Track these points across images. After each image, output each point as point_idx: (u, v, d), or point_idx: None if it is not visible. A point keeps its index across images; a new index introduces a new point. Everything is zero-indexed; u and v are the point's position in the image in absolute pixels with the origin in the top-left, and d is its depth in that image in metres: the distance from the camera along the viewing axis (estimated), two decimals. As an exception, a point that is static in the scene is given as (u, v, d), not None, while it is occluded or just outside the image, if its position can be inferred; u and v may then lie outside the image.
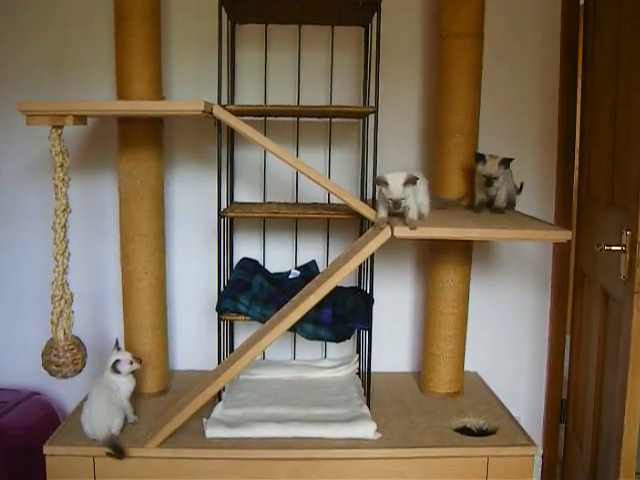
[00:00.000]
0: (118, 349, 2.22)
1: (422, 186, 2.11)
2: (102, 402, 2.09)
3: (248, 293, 2.30)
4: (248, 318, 2.26)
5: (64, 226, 2.06)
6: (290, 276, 2.57)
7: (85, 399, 2.17)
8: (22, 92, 2.57)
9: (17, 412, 2.51)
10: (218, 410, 2.27)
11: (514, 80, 2.65)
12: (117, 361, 2.17)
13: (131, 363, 2.19)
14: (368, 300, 2.30)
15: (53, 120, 1.99)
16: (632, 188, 2.01)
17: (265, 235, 2.68)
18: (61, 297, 2.07)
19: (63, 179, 2.04)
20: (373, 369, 2.34)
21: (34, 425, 2.49)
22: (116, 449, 2.00)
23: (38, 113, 1.98)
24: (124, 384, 2.18)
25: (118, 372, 2.17)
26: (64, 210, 2.05)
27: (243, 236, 2.68)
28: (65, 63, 2.58)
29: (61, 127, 2.02)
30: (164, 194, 2.47)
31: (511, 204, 2.40)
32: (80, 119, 2.06)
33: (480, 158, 2.26)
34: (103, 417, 2.06)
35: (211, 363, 2.36)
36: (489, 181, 2.26)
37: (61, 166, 2.03)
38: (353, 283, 2.64)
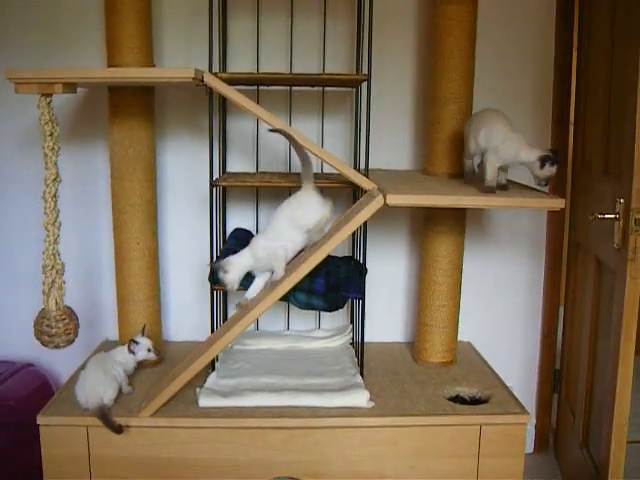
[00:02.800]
0: (142, 335, 2.25)
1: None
2: (98, 371, 2.10)
3: (241, 263, 2.29)
4: (241, 288, 2.25)
5: (54, 195, 2.04)
6: (283, 246, 2.55)
7: (82, 368, 2.17)
8: (11, 60, 2.53)
9: (11, 383, 2.52)
10: (211, 380, 2.27)
11: (509, 48, 2.62)
12: (135, 342, 2.21)
13: (149, 351, 2.23)
14: (361, 269, 2.29)
15: (42, 88, 1.96)
16: (626, 157, 2.01)
17: (258, 205, 2.66)
18: (52, 267, 2.06)
19: (53, 148, 2.02)
20: (367, 339, 2.34)
21: (28, 396, 2.49)
22: (106, 421, 2.01)
23: (27, 81, 1.96)
24: (129, 362, 2.22)
25: (132, 353, 2.21)
26: (54, 179, 2.03)
27: (236, 206, 2.67)
28: (54, 32, 2.55)
29: (50, 95, 1.99)
30: (156, 164, 2.45)
31: None
32: (69, 87, 2.03)
33: (550, 159, 1.97)
34: (96, 386, 2.06)
35: (204, 333, 2.36)
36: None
37: (50, 135, 2.01)
38: (347, 253, 2.64)
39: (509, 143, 2.01)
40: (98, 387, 2.06)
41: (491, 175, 2.03)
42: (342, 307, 2.26)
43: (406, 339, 2.81)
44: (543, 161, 1.96)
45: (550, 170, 1.97)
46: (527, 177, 2.10)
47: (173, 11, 2.56)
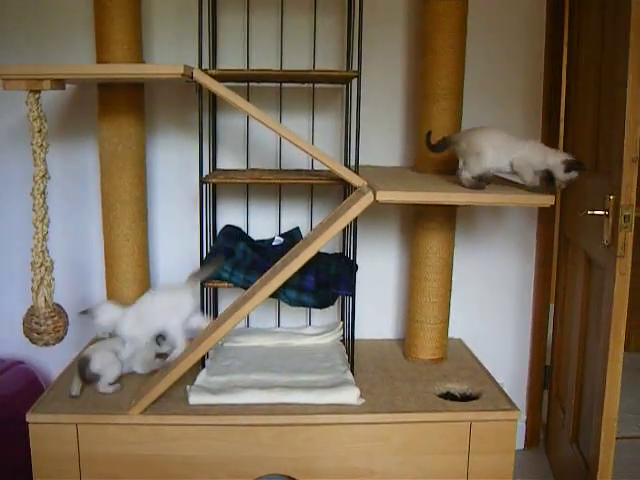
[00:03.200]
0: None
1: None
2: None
3: (231, 260, 2.29)
4: (231, 285, 2.25)
5: (43, 192, 2.03)
6: (274, 243, 2.56)
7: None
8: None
9: (0, 381, 2.50)
10: (202, 377, 2.27)
11: (499, 45, 2.63)
12: (163, 337, 2.26)
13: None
14: (352, 266, 2.29)
15: (30, 84, 1.95)
16: (616, 154, 2.01)
17: (248, 202, 2.66)
18: (41, 264, 2.05)
19: (41, 145, 2.01)
20: (357, 336, 2.34)
21: (18, 394, 2.48)
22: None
23: (15, 77, 1.95)
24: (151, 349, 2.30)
25: (158, 344, 2.29)
26: (43, 176, 2.03)
27: (226, 203, 2.66)
28: (43, 28, 2.53)
29: (39, 92, 1.98)
30: (146, 161, 2.44)
31: None
32: (58, 83, 2.02)
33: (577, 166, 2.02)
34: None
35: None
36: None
37: (39, 131, 2.00)
38: (337, 250, 2.63)
39: (535, 152, 2.06)
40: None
41: (531, 177, 2.06)
42: (332, 304, 2.26)
43: (397, 336, 2.81)
44: (569, 166, 2.01)
45: (573, 175, 2.02)
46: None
47: (163, 7, 2.55)
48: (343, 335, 2.64)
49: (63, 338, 2.13)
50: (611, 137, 2.08)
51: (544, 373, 2.92)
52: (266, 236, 2.65)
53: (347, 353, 2.47)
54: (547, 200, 1.99)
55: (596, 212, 2.07)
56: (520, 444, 2.90)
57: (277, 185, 2.62)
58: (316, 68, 2.55)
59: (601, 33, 2.24)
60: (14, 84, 1.95)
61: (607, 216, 2.04)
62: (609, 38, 2.17)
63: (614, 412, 2.08)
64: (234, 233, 2.54)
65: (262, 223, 2.69)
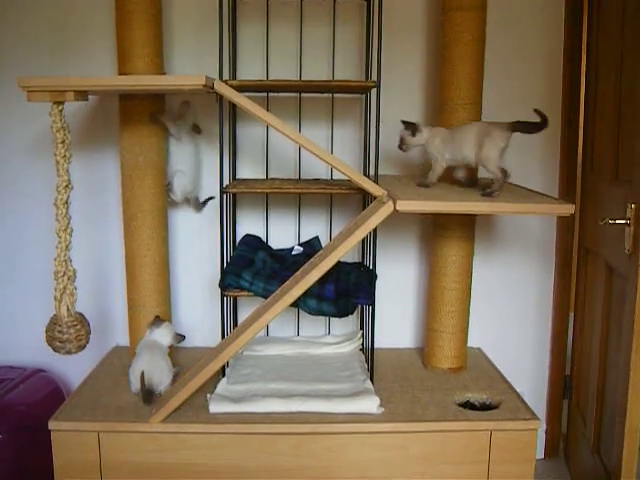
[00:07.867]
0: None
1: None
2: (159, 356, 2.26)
3: (251, 269, 2.30)
4: (251, 294, 2.26)
5: (66, 202, 2.06)
6: (293, 252, 2.56)
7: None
8: (22, 68, 2.56)
9: (23, 389, 2.53)
10: (222, 386, 2.28)
11: (518, 53, 2.63)
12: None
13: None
14: (371, 275, 2.29)
15: (54, 96, 1.98)
16: (637, 161, 2.00)
17: (268, 211, 2.67)
18: (64, 273, 2.07)
19: (64, 155, 2.03)
20: (376, 345, 2.35)
21: (40, 402, 2.51)
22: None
23: (38, 89, 1.97)
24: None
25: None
26: (66, 186, 2.05)
27: (246, 212, 2.68)
28: (66, 39, 2.57)
29: (62, 103, 2.01)
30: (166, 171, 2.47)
31: None
32: (81, 95, 2.04)
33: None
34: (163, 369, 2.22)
35: (215, 339, 2.37)
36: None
37: (62, 142, 2.02)
38: (357, 259, 2.64)
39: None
40: (164, 370, 2.23)
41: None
42: (352, 313, 2.26)
43: (416, 345, 2.81)
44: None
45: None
46: (538, 183, 2.10)
47: (183, 18, 2.58)
48: (362, 344, 2.64)
49: (85, 347, 2.14)
50: (632, 144, 2.08)
51: (564, 382, 2.90)
52: (286, 245, 2.66)
53: (366, 362, 2.47)
54: (567, 209, 1.98)
55: (617, 221, 2.07)
56: (540, 453, 2.89)
57: (297, 195, 2.63)
58: (335, 78, 2.56)
59: (621, 36, 2.23)
60: (38, 96, 1.97)
61: (628, 225, 2.03)
62: (629, 41, 2.16)
63: (637, 422, 2.07)
64: (254, 242, 2.55)
65: (281, 232, 2.70)
